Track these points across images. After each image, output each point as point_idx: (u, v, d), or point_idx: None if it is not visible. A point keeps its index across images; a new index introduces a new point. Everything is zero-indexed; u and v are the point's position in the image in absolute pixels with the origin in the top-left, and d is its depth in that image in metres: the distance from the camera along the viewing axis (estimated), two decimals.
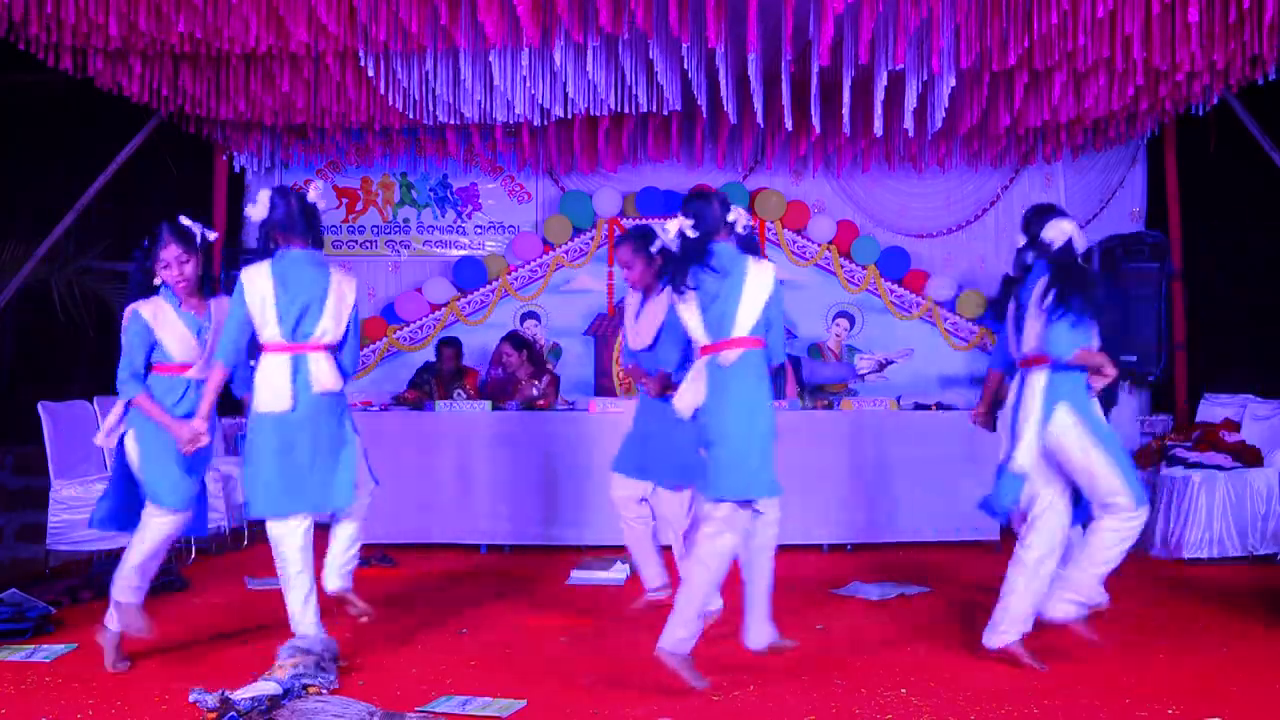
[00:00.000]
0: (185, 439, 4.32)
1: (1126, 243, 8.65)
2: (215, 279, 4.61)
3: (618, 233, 9.10)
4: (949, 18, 6.12)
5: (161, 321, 4.39)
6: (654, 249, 4.62)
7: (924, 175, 9.14)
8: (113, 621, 4.38)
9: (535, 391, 7.57)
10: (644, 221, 9.12)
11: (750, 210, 9.06)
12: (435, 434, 7.04)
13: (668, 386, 4.46)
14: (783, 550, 6.63)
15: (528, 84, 7.03)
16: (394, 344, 9.03)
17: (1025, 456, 4.24)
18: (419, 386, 8.13)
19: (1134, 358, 8.19)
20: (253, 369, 4.44)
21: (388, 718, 3.60)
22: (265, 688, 3.69)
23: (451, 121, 7.69)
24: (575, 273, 9.14)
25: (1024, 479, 4.25)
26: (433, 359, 8.40)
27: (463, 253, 9.24)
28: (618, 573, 6.09)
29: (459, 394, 7.53)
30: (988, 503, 4.39)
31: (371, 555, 6.64)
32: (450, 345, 8.28)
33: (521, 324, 9.04)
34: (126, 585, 4.38)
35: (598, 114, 7.49)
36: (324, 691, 3.87)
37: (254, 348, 4.42)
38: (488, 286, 9.07)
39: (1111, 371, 4.22)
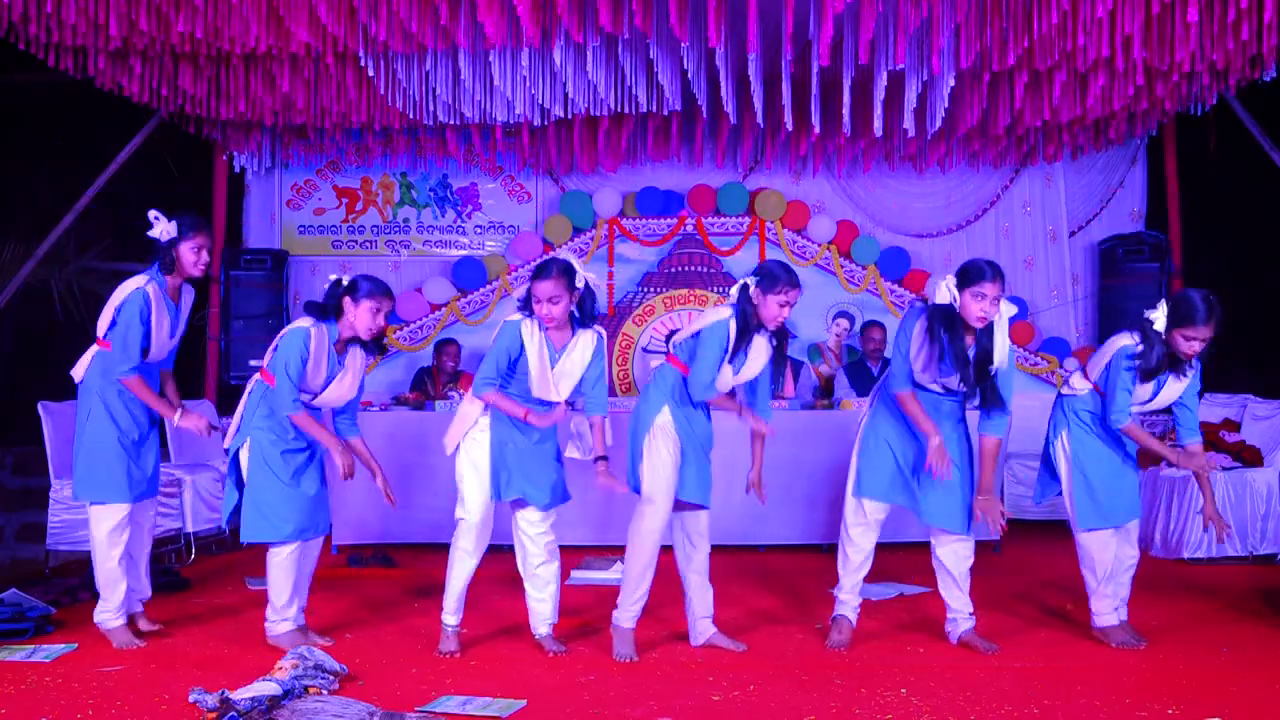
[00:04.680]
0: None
1: (1126, 243, 8.66)
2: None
3: (618, 233, 9.11)
4: (949, 18, 6.12)
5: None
6: (578, 284, 4.51)
7: (924, 175, 9.14)
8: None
9: None
10: (643, 222, 9.13)
11: (750, 210, 9.09)
12: (435, 434, 7.01)
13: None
14: (783, 550, 6.64)
15: (528, 84, 7.03)
16: (394, 344, 9.03)
17: None
18: (418, 389, 8.16)
19: None
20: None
21: (388, 718, 3.60)
22: (265, 688, 3.69)
23: (451, 121, 7.69)
24: None
25: None
26: (427, 365, 8.44)
27: (463, 253, 9.24)
28: (617, 573, 6.07)
29: (457, 394, 7.52)
30: None
31: (371, 555, 6.65)
32: (451, 344, 8.35)
33: None
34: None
35: (598, 114, 7.49)
36: (324, 692, 3.87)
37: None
38: (488, 286, 9.06)
39: None
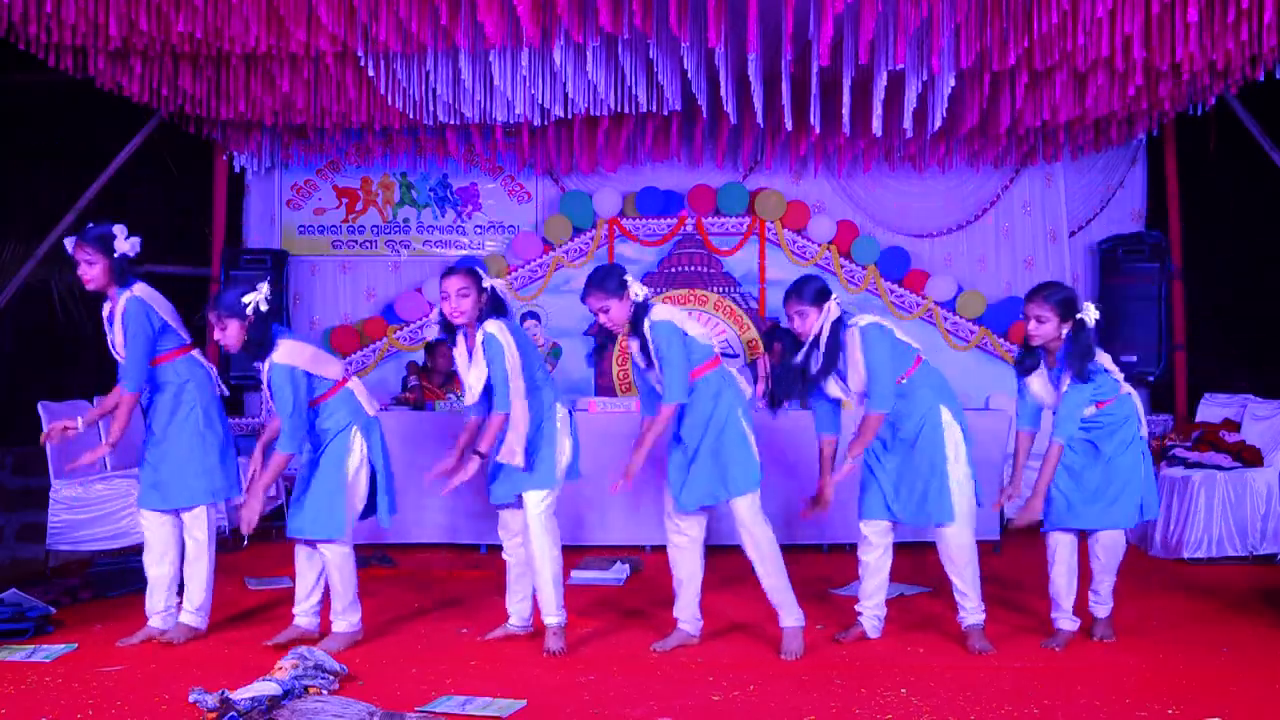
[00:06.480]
0: None
1: (1126, 243, 8.66)
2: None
3: (618, 233, 9.12)
4: (949, 18, 6.12)
5: None
6: (486, 286, 4.59)
7: (924, 175, 9.13)
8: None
9: None
10: (643, 222, 9.14)
11: (750, 210, 9.09)
12: (435, 434, 7.03)
13: None
14: (783, 550, 6.63)
15: (528, 84, 7.03)
16: (394, 344, 9.03)
17: None
18: (408, 388, 8.14)
19: (1134, 358, 8.18)
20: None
21: (388, 718, 3.60)
22: (265, 688, 3.69)
23: (451, 121, 7.69)
24: (575, 273, 9.11)
25: None
26: (415, 364, 8.42)
27: (463, 253, 9.24)
28: (617, 573, 6.09)
29: (454, 395, 7.52)
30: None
31: (371, 555, 6.65)
32: (443, 344, 8.33)
33: (521, 324, 9.03)
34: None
35: (598, 114, 7.49)
36: (324, 692, 3.87)
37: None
38: None
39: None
